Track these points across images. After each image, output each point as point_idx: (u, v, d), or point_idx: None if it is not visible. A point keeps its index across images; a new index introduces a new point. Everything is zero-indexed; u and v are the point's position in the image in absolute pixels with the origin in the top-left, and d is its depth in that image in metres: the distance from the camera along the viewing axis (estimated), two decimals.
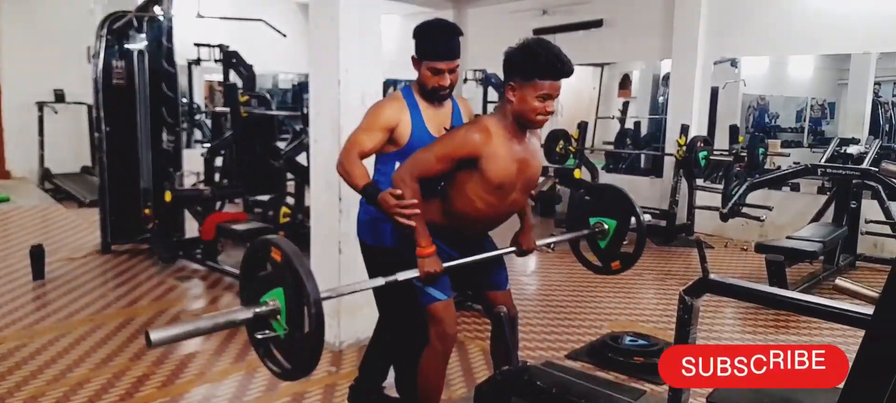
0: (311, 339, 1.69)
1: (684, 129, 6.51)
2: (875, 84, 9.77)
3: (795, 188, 6.93)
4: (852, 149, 5.73)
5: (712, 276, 2.28)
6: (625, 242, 2.79)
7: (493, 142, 2.12)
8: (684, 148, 6.32)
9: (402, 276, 2.13)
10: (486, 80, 10.28)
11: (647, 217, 2.86)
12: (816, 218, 5.68)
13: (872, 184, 5.25)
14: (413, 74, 2.46)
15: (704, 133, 7.08)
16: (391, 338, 2.73)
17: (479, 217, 2.25)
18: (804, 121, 12.97)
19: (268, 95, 7.81)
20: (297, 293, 1.69)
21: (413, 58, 2.41)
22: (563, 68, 2.09)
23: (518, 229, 2.51)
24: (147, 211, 5.54)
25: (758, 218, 5.63)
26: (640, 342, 3.59)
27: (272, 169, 6.14)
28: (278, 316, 1.74)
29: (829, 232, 5.11)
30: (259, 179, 6.32)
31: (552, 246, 6.23)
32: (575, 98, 10.71)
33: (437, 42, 2.38)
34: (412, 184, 2.14)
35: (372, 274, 2.54)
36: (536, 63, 2.07)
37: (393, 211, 2.15)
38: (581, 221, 2.81)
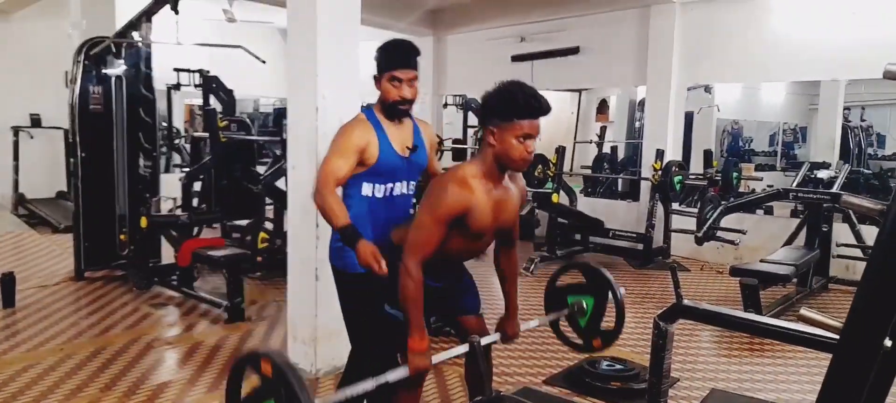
0: None
1: (659, 154, 6.61)
2: (845, 109, 10.02)
3: (769, 211, 7.04)
4: (823, 174, 5.84)
5: (686, 302, 2.32)
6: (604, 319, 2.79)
7: (476, 194, 2.11)
8: (660, 172, 6.41)
9: (392, 376, 2.09)
10: (466, 106, 10.36)
11: (622, 291, 2.82)
12: (789, 242, 5.78)
13: (843, 208, 5.36)
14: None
15: (679, 157, 7.19)
16: (366, 368, 2.71)
17: (452, 257, 2.28)
18: (777, 145, 13.24)
19: (248, 120, 7.80)
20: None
21: (374, 77, 2.46)
22: (541, 106, 2.10)
23: (502, 315, 2.51)
24: (123, 236, 5.48)
25: (732, 242, 5.71)
26: (618, 366, 3.60)
27: (251, 194, 6.12)
28: None
29: (802, 255, 5.20)
30: (237, 204, 6.28)
31: (531, 269, 6.29)
32: (553, 122, 10.83)
33: (395, 53, 2.44)
34: (416, 273, 2.10)
35: (342, 300, 2.56)
36: (514, 103, 2.08)
37: (369, 266, 2.21)
38: (560, 301, 2.79)
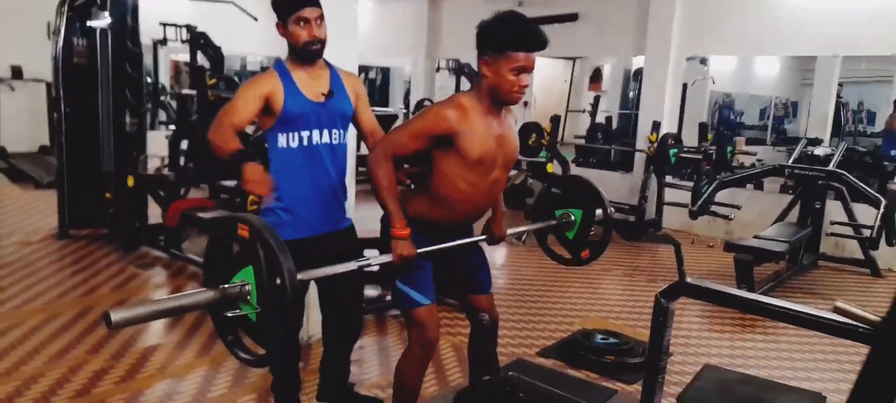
0: (287, 318, 1.60)
1: (656, 126, 6.55)
2: (838, 85, 9.98)
3: (759, 186, 7.03)
4: (819, 151, 5.82)
5: (689, 280, 2.28)
6: (592, 232, 2.78)
7: (470, 119, 2.07)
8: (655, 144, 6.36)
9: (375, 261, 2.07)
10: (458, 70, 10.23)
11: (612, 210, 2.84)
12: (781, 218, 5.77)
13: (837, 185, 5.34)
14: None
15: (675, 130, 7.14)
16: (346, 335, 2.68)
17: (462, 198, 2.17)
18: (768, 119, 13.23)
19: (237, 78, 7.62)
20: (270, 267, 1.59)
21: (278, 25, 2.36)
22: (537, 38, 2.05)
23: (489, 216, 2.46)
24: (108, 195, 5.35)
25: (726, 217, 5.69)
26: (612, 340, 3.58)
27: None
28: (248, 297, 1.64)
29: (795, 232, 5.19)
30: (225, 164, 6.15)
31: (523, 238, 6.24)
32: (546, 91, 10.74)
33: None
34: (386, 163, 2.09)
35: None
36: (509, 34, 2.03)
37: (253, 191, 2.27)
38: (547, 214, 2.79)
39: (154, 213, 5.51)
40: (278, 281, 1.57)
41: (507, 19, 2.04)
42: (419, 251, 2.11)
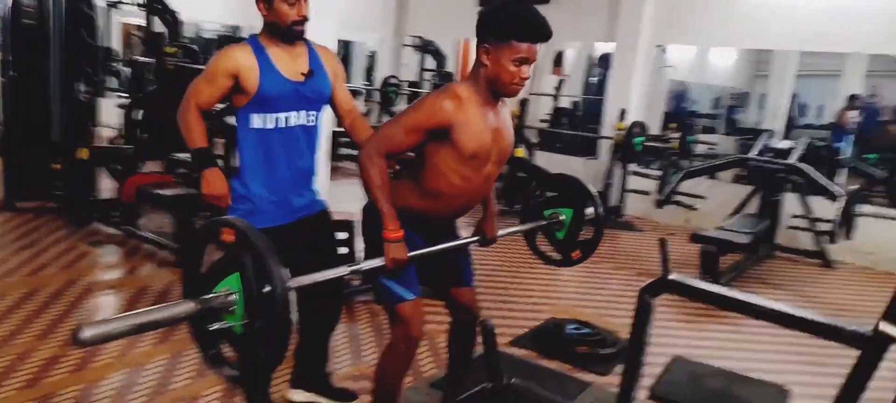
0: (278, 329, 1.49)
1: (623, 114, 6.58)
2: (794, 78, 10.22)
3: (713, 176, 7.15)
4: (781, 144, 5.94)
5: (673, 276, 2.26)
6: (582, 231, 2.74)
7: (466, 110, 1.97)
8: (623, 132, 6.38)
9: (366, 266, 1.98)
10: (423, 48, 10.08)
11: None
12: (739, 209, 5.88)
13: (797, 178, 5.47)
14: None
15: (642, 118, 7.18)
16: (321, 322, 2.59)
17: (454, 193, 2.09)
18: (721, 108, 13.52)
19: (194, 47, 7.30)
20: (259, 274, 1.48)
21: (259, 1, 2.23)
22: (544, 29, 1.96)
23: (481, 217, 2.39)
24: (56, 166, 5.06)
25: (691, 207, 5.76)
26: (584, 331, 3.58)
27: None
28: (233, 308, 1.52)
29: (756, 223, 5.30)
30: (178, 136, 5.90)
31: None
32: None
33: None
34: (379, 161, 1.98)
35: None
36: (515, 22, 1.93)
37: (211, 199, 2.21)
38: (536, 213, 2.73)
39: (106, 186, 5.26)
40: (268, 289, 1.46)
41: (513, 7, 1.94)
42: (411, 254, 2.02)
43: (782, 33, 6.44)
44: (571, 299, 4.42)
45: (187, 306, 1.50)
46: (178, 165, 5.96)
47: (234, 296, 1.51)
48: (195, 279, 1.60)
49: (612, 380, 3.29)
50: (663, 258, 2.30)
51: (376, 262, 1.98)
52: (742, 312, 2.07)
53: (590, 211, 2.65)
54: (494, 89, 2.01)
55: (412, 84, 9.65)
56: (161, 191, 4.34)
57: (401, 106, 9.21)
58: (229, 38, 13.56)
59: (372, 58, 11.95)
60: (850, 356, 1.48)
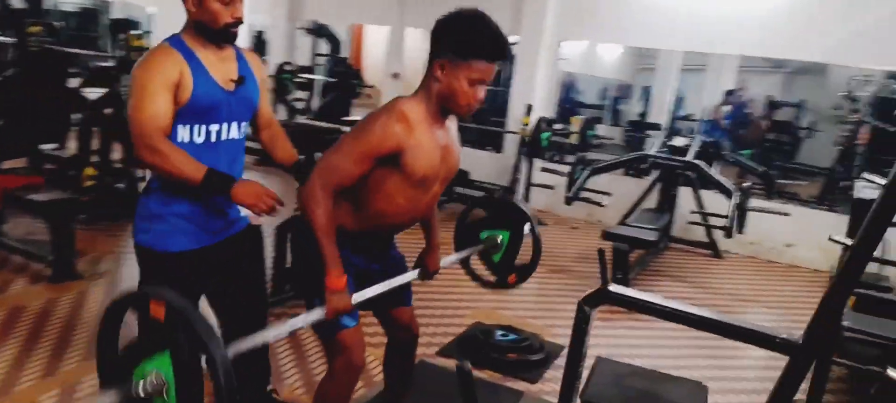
0: None
1: (529, 109, 6.60)
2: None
3: (604, 170, 7.36)
4: (678, 141, 6.21)
5: (612, 287, 2.22)
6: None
7: (415, 133, 1.82)
8: (530, 127, 6.40)
9: (304, 321, 1.80)
10: (317, 32, 9.65)
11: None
12: (639, 203, 6.10)
13: (692, 175, 5.74)
14: None
15: (547, 113, 7.25)
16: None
17: (398, 212, 1.94)
18: (606, 100, 14.12)
19: (56, 24, 6.52)
20: (194, 355, 1.27)
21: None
22: (503, 50, 1.83)
23: (423, 249, 2.27)
24: None
25: (599, 203, 5.88)
26: (512, 337, 3.51)
27: (60, 114, 5.12)
28: (164, 391, 1.31)
29: (657, 218, 5.51)
30: (47, 128, 5.23)
31: None
32: (412, 64, 10.50)
33: None
34: (326, 200, 1.79)
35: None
36: (476, 41, 1.78)
37: (257, 208, 1.90)
38: (471, 235, 2.62)
39: None
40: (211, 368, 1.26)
41: (474, 23, 1.79)
42: (354, 300, 1.86)
43: (672, 33, 6.68)
44: (490, 301, 4.34)
45: (109, 399, 1.31)
46: (46, 160, 5.29)
47: (164, 381, 1.30)
48: (113, 361, 1.37)
49: (542, 388, 3.25)
50: (602, 268, 2.26)
51: (316, 314, 1.82)
52: (681, 322, 2.08)
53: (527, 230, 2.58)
54: (446, 107, 1.87)
55: (304, 68, 9.22)
56: (35, 196, 3.74)
57: (294, 94, 8.80)
58: (93, 13, 12.28)
59: (260, 39, 11.30)
60: (757, 352, 1.62)
